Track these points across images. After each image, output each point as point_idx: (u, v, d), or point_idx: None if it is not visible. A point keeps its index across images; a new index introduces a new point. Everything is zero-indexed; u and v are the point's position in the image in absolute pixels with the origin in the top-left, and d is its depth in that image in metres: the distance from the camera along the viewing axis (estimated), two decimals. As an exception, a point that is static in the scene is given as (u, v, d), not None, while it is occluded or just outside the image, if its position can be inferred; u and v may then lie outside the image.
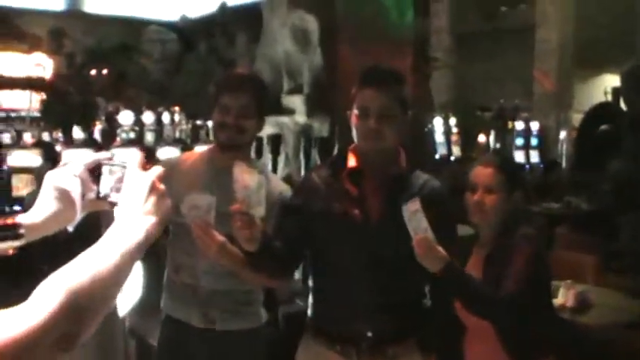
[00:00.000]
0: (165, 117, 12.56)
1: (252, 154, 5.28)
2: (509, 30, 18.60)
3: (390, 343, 2.73)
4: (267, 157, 6.10)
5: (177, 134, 13.90)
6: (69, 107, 13.60)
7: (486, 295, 2.70)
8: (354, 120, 2.74)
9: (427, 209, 2.53)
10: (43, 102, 14.88)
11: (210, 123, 15.00)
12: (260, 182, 2.43)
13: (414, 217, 2.50)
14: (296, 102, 6.27)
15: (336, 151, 5.08)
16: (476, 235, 3.07)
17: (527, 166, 15.10)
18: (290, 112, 6.14)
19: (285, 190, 3.07)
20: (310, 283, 2.92)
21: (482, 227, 3.02)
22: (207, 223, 2.51)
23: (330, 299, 2.82)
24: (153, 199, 1.45)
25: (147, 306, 3.49)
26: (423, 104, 6.41)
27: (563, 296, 4.20)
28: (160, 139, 11.49)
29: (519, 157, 15.11)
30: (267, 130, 5.13)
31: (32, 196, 9.96)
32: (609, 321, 4.12)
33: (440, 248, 2.51)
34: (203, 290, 3.00)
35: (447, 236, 2.64)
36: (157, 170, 1.49)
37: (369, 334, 2.70)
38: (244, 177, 2.43)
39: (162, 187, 1.48)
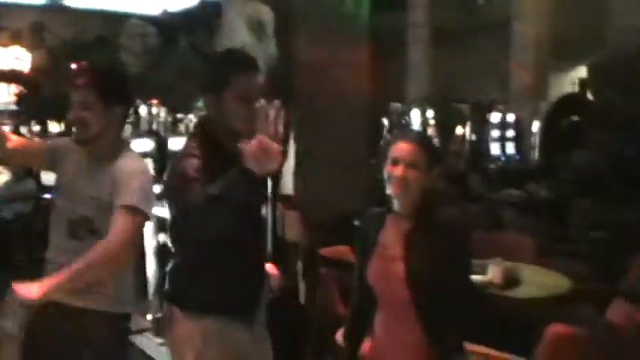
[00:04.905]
0: (143, 109, 12.61)
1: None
2: (486, 24, 18.78)
3: None
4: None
5: (155, 127, 13.99)
6: (44, 100, 13.70)
7: None
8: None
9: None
10: (19, 95, 14.95)
11: (190, 116, 15.15)
12: None
13: None
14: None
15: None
16: (391, 207, 3.10)
17: (504, 158, 15.30)
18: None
19: None
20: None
21: (402, 201, 3.03)
22: None
23: None
24: None
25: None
26: (378, 96, 6.56)
27: (492, 272, 4.34)
28: (136, 131, 11.57)
29: (495, 148, 15.34)
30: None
31: (7, 187, 10.15)
32: (535, 295, 4.28)
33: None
34: (54, 264, 3.14)
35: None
36: None
37: None
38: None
39: None
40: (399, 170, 2.95)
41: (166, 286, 3.17)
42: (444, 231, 2.96)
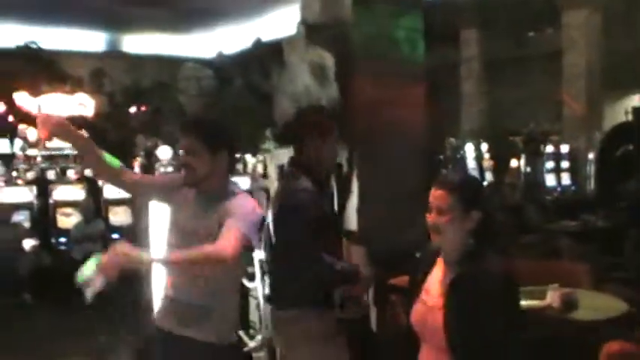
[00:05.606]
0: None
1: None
2: (537, 55, 18.90)
3: None
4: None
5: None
6: (108, 144, 14.14)
7: None
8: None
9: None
10: (84, 139, 15.41)
11: (247, 156, 15.46)
12: None
13: None
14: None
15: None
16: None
17: (559, 189, 15.35)
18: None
19: None
20: None
21: (442, 248, 3.04)
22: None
23: None
24: None
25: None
26: (434, 132, 6.84)
27: (551, 297, 4.51)
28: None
29: (550, 179, 15.39)
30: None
31: (77, 229, 10.55)
32: (593, 318, 4.43)
33: None
34: (170, 299, 3.45)
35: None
36: None
37: None
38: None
39: None
40: (431, 217, 2.98)
41: (269, 292, 4.32)
42: (485, 284, 2.86)
